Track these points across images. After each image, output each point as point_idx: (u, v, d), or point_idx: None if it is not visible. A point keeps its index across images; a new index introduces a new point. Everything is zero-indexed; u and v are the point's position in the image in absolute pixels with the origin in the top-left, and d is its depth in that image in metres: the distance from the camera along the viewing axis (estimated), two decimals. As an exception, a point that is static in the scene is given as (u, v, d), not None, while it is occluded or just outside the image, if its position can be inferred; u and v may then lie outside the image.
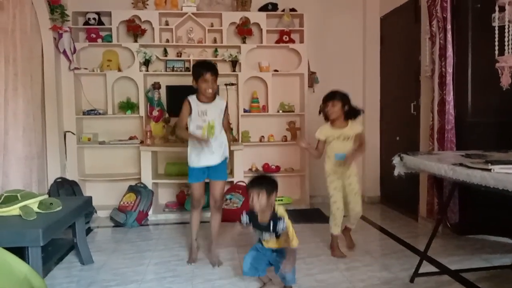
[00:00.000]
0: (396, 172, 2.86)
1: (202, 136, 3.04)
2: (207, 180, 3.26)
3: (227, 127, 3.31)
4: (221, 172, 3.21)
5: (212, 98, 3.13)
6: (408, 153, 2.83)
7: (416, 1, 4.22)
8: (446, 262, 3.05)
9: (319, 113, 3.32)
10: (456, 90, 3.58)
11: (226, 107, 3.22)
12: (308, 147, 3.33)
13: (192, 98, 3.11)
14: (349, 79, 5.16)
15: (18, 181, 3.64)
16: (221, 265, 3.14)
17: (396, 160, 2.85)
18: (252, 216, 2.63)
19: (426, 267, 2.89)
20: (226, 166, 3.26)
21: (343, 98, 3.18)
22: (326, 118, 3.25)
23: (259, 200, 2.51)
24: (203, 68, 3.04)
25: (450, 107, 3.55)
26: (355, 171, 3.26)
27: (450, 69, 3.54)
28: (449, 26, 3.52)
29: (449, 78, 3.54)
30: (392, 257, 3.23)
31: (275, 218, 2.58)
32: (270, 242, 2.66)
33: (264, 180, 2.60)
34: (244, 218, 2.65)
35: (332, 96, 3.18)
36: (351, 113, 3.20)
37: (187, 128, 3.15)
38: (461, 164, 2.24)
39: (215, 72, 3.06)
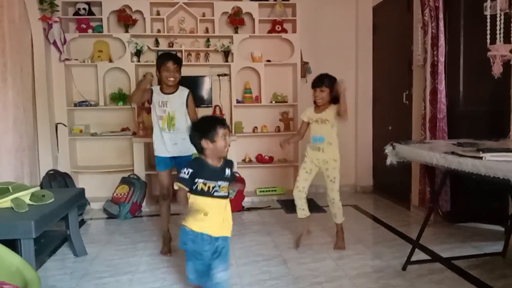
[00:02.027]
0: (388, 161, 2.87)
1: (162, 127, 3.08)
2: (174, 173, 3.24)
3: (192, 113, 3.18)
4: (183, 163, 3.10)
5: (175, 88, 3.12)
6: (400, 142, 2.84)
7: (409, -10, 4.21)
8: (438, 250, 3.08)
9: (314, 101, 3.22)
10: (448, 79, 3.59)
11: (189, 97, 3.14)
12: (290, 141, 3.30)
13: (156, 88, 3.15)
14: (342, 68, 5.12)
15: (9, 173, 3.60)
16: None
17: (388, 149, 2.87)
18: (199, 165, 2.19)
19: (418, 255, 2.92)
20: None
21: (330, 83, 3.07)
22: (315, 102, 3.19)
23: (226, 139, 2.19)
24: (165, 58, 3.08)
25: (442, 96, 3.56)
26: (333, 157, 3.12)
27: (442, 58, 3.55)
28: (441, 15, 3.52)
29: (441, 67, 3.55)
30: (385, 246, 3.26)
31: (227, 161, 2.33)
32: (222, 189, 2.26)
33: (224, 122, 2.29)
34: (186, 172, 2.13)
35: (320, 81, 3.10)
36: (335, 98, 3.08)
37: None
38: (452, 153, 2.25)
39: (177, 61, 3.08)
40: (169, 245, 3.23)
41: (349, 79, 5.17)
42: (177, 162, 3.16)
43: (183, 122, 3.10)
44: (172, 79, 3.04)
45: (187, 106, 3.13)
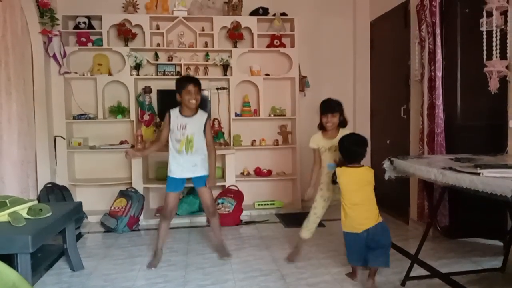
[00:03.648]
0: (386, 176, 2.88)
1: (179, 150, 3.15)
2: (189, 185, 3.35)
3: (211, 147, 3.28)
4: (203, 180, 3.27)
5: (195, 111, 3.19)
6: (398, 157, 2.85)
7: (406, 6, 4.26)
8: (437, 265, 3.07)
9: (319, 127, 3.20)
10: (445, 94, 3.61)
11: (207, 121, 3.24)
12: (315, 184, 3.25)
13: (174, 111, 3.19)
14: (339, 83, 5.21)
15: (15, 185, 3.60)
16: (231, 257, 3.31)
17: (386, 164, 2.87)
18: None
19: (417, 271, 2.91)
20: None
21: (340, 108, 3.12)
22: (321, 127, 3.18)
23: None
24: (186, 80, 3.15)
25: (439, 111, 3.58)
26: None
27: (439, 73, 3.57)
28: (438, 31, 3.56)
29: (439, 82, 3.57)
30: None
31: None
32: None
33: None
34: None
35: (333, 107, 3.09)
36: (343, 122, 3.15)
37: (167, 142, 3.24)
38: (450, 168, 2.26)
39: (197, 84, 3.14)
40: (159, 261, 3.26)
41: (347, 93, 5.24)
42: (195, 180, 3.26)
43: (202, 144, 3.19)
44: (194, 101, 3.11)
45: (204, 129, 3.20)
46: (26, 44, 4.11)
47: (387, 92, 4.83)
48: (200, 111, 3.23)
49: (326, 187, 3.17)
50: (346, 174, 2.78)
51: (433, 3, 3.57)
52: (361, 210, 2.74)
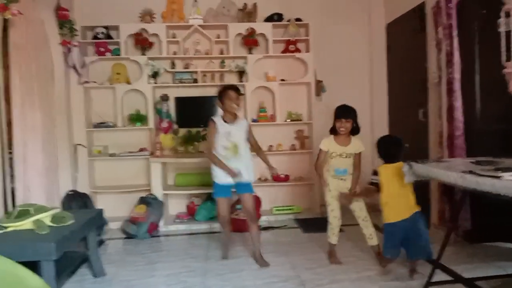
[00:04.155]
0: (406, 181, 2.84)
1: (225, 155, 3.26)
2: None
3: (257, 147, 3.50)
4: (248, 186, 3.40)
5: (235, 117, 3.32)
6: (417, 161, 2.82)
7: (421, 9, 4.22)
8: (459, 270, 3.01)
9: (331, 130, 3.32)
10: (464, 96, 3.56)
11: (249, 126, 3.43)
12: (325, 180, 3.35)
13: (217, 119, 3.31)
14: (356, 87, 5.18)
15: (40, 193, 3.67)
16: (269, 266, 3.32)
17: (405, 168, 2.84)
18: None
19: (439, 276, 2.87)
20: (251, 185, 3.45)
21: (355, 115, 3.24)
22: (333, 131, 3.29)
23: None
24: (227, 88, 3.32)
25: (458, 114, 3.53)
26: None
27: (457, 76, 3.53)
28: (455, 33, 3.52)
29: (457, 85, 3.53)
30: (404, 266, 3.20)
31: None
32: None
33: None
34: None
35: (348, 112, 3.22)
36: (356, 129, 3.27)
37: None
38: (470, 172, 2.23)
39: (238, 91, 3.30)
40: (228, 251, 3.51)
41: (364, 97, 5.22)
42: (240, 186, 3.36)
43: (246, 149, 3.33)
44: (235, 106, 3.25)
45: (247, 134, 3.37)
46: (47, 55, 4.21)
47: (404, 95, 4.79)
48: (240, 118, 3.40)
49: (333, 187, 3.30)
50: (386, 170, 3.02)
51: (449, 5, 3.54)
52: (401, 200, 2.97)
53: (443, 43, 3.65)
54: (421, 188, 3.55)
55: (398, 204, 2.97)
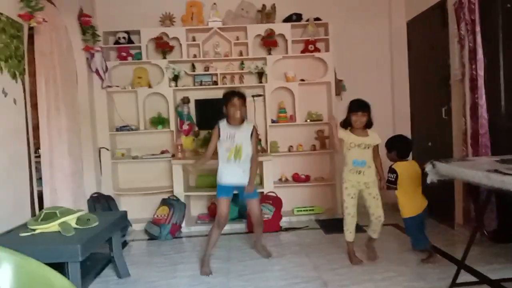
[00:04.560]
0: (429, 180, 2.79)
1: (228, 158, 3.32)
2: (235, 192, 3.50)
3: (255, 155, 3.44)
4: (253, 192, 3.45)
5: (241, 121, 3.36)
6: (440, 160, 2.77)
7: (443, 5, 4.15)
8: (485, 271, 2.95)
9: (343, 124, 3.34)
10: (489, 94, 3.48)
11: (253, 131, 3.41)
12: (335, 127, 3.32)
13: (222, 123, 3.38)
14: (377, 85, 5.13)
15: (67, 196, 3.77)
16: (271, 256, 3.49)
17: (428, 167, 2.79)
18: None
19: (464, 277, 2.82)
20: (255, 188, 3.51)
21: (370, 109, 3.27)
22: (346, 125, 3.31)
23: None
24: (231, 94, 3.35)
25: (483, 111, 3.46)
26: (373, 178, 3.29)
27: (481, 72, 3.46)
28: (478, 29, 3.44)
29: (481, 82, 3.45)
30: (428, 266, 3.16)
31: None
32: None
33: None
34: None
35: (364, 106, 3.24)
36: (370, 123, 3.28)
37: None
38: (496, 171, 2.18)
39: (241, 97, 3.34)
40: (209, 266, 3.32)
41: (386, 95, 5.16)
42: (240, 189, 3.44)
43: (249, 152, 3.36)
44: (238, 112, 3.30)
45: (251, 139, 3.39)
46: (71, 61, 4.31)
47: (427, 93, 4.72)
48: (246, 121, 3.42)
49: (350, 184, 3.28)
50: (403, 167, 3.29)
51: (472, 0, 3.47)
52: (418, 195, 3.30)
53: (465, 39, 3.58)
54: (445, 188, 3.50)
55: (415, 199, 3.28)
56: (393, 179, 3.29)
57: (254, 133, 3.41)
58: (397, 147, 3.40)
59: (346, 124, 3.31)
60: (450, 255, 3.37)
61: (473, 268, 3.00)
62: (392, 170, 3.31)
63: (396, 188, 3.28)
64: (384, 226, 3.37)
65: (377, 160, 3.34)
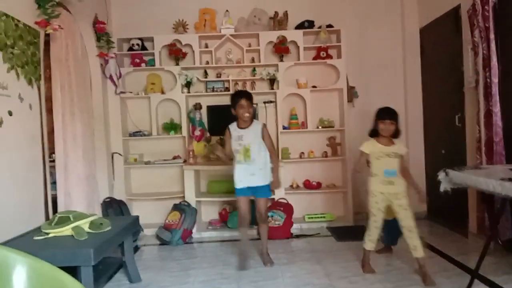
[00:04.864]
0: (442, 188, 2.78)
1: (239, 160, 3.39)
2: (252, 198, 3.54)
3: (272, 151, 3.48)
4: (263, 191, 3.47)
5: (249, 123, 3.40)
6: (454, 168, 2.75)
7: (457, 11, 4.13)
8: (499, 281, 2.90)
9: (370, 133, 3.25)
10: (503, 101, 3.44)
11: (263, 128, 3.42)
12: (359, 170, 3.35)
13: (232, 125, 3.44)
14: (389, 92, 5.10)
15: (81, 200, 3.81)
16: (273, 264, 3.49)
17: (441, 175, 2.78)
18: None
19: (478, 286, 2.78)
20: (269, 187, 3.50)
21: (398, 117, 3.19)
22: (373, 134, 3.22)
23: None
24: (238, 96, 3.39)
25: (497, 119, 3.42)
26: (403, 188, 3.15)
27: (495, 79, 3.42)
28: (492, 36, 3.42)
29: (495, 89, 3.42)
30: (442, 276, 3.12)
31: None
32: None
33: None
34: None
35: (392, 114, 3.16)
36: (397, 132, 3.18)
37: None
38: (510, 179, 2.16)
39: (248, 98, 3.37)
40: (246, 260, 3.52)
41: (398, 102, 5.11)
42: (255, 190, 3.45)
43: (260, 153, 3.37)
44: (247, 114, 3.35)
45: (263, 138, 3.40)
46: (86, 67, 4.38)
47: (440, 100, 4.68)
48: (255, 121, 3.46)
49: (380, 197, 3.18)
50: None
51: (486, 7, 3.45)
52: None
53: (479, 46, 3.56)
54: (458, 196, 3.46)
55: None
56: None
57: (265, 131, 3.42)
58: None
59: (373, 133, 3.22)
60: (463, 265, 3.32)
61: (487, 278, 2.95)
62: None
63: None
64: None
65: (406, 171, 3.23)
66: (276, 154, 3.55)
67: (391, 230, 3.44)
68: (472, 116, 3.84)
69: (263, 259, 3.55)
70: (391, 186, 3.13)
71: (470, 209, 3.97)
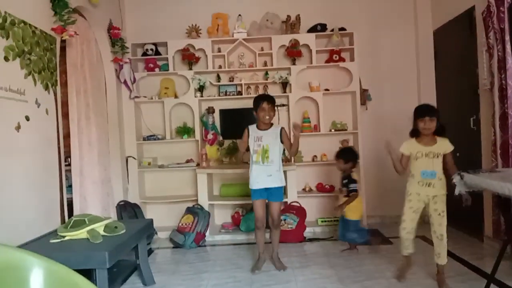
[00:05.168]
0: (456, 192, 2.75)
1: (256, 160, 3.42)
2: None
3: (288, 146, 3.52)
4: (278, 195, 3.48)
5: (269, 126, 3.46)
6: (468, 171, 2.72)
7: (471, 13, 4.09)
8: (516, 286, 2.87)
9: (411, 133, 3.06)
10: (519, 103, 3.40)
11: (282, 131, 3.47)
12: (392, 152, 3.07)
13: (252, 126, 3.49)
14: (403, 95, 5.07)
15: (97, 204, 3.87)
16: (286, 269, 3.48)
17: (456, 179, 2.74)
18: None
19: (494, 292, 2.73)
20: (283, 191, 3.54)
21: (438, 113, 2.99)
22: (414, 134, 3.05)
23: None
24: (261, 99, 3.46)
25: (513, 121, 3.38)
26: (443, 191, 2.98)
27: (510, 82, 3.39)
28: (507, 37, 3.38)
29: (510, 91, 3.39)
30: (457, 280, 3.08)
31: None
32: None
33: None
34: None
35: (431, 110, 2.97)
36: (440, 129, 2.99)
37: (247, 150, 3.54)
38: (526, 183, 2.13)
39: (271, 101, 3.42)
40: (262, 263, 3.54)
41: (412, 105, 4.98)
42: (270, 193, 3.47)
43: (277, 155, 3.42)
44: (268, 117, 3.41)
45: (281, 141, 3.44)
46: (101, 72, 4.45)
47: (454, 102, 4.63)
48: (274, 125, 3.52)
49: (416, 198, 3.02)
50: (357, 176, 3.90)
51: (501, 8, 3.41)
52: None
53: (494, 48, 3.52)
54: (473, 199, 3.42)
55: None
56: (356, 188, 3.86)
57: (284, 133, 3.47)
58: (353, 159, 3.97)
59: (414, 133, 3.03)
60: (479, 269, 3.28)
61: (504, 282, 2.90)
62: (354, 180, 3.87)
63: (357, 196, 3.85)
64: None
65: (452, 171, 2.93)
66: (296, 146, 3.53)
67: (345, 228, 3.93)
68: (487, 119, 3.80)
69: (276, 265, 3.55)
70: (428, 188, 2.96)
71: (485, 213, 3.92)
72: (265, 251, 3.59)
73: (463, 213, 4.35)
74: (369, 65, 5.07)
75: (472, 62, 4.05)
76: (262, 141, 3.41)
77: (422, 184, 2.98)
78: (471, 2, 4.05)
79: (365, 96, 5.06)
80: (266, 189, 3.46)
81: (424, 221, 3.18)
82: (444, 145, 2.97)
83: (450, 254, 3.69)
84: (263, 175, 3.41)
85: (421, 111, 2.98)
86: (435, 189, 2.95)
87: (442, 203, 2.96)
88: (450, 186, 2.82)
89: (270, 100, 3.45)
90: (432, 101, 5.04)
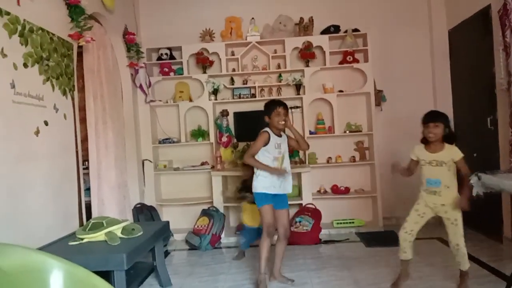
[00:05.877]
0: (474, 193, 2.71)
1: (276, 167, 3.21)
2: None
3: (295, 143, 3.42)
4: (286, 201, 3.35)
5: (282, 132, 3.32)
6: (486, 172, 2.68)
7: (486, 12, 4.04)
8: (537, 289, 2.81)
9: (422, 139, 2.98)
10: (537, 102, 3.35)
11: (289, 138, 3.38)
12: (400, 169, 3.07)
13: (270, 131, 3.26)
14: (418, 95, 5.03)
15: (113, 207, 3.93)
16: (294, 282, 3.26)
17: (473, 179, 2.70)
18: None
19: (514, 294, 2.69)
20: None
21: (445, 119, 2.91)
22: (424, 140, 2.98)
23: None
24: (275, 104, 3.27)
25: (531, 121, 3.32)
26: (452, 200, 2.85)
27: (528, 81, 3.33)
28: (524, 36, 3.33)
29: (528, 90, 3.33)
30: (476, 283, 3.04)
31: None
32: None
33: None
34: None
35: (434, 116, 2.91)
36: (449, 136, 2.91)
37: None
38: (545, 183, 2.09)
39: (286, 107, 3.28)
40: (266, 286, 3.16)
41: (427, 105, 5.01)
42: (280, 199, 3.29)
43: (289, 162, 3.34)
44: (282, 122, 3.23)
45: (289, 145, 3.39)
46: (117, 77, 4.51)
47: (471, 102, 4.58)
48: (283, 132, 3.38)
49: (423, 203, 2.95)
50: None
51: (518, 6, 3.37)
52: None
53: (511, 47, 3.47)
54: (492, 200, 3.37)
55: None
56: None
57: (288, 137, 3.37)
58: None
59: (424, 139, 2.95)
60: (498, 271, 3.22)
61: (524, 285, 2.86)
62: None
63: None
64: (428, 239, 3.23)
65: (463, 178, 2.82)
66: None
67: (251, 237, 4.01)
68: (504, 119, 3.74)
69: (281, 281, 3.31)
70: (435, 197, 2.88)
71: (504, 214, 3.86)
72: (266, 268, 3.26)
73: (482, 214, 4.30)
74: (383, 66, 5.04)
75: (489, 62, 4.00)
76: (281, 148, 3.26)
77: (428, 192, 2.92)
78: (487, 0, 4.00)
79: (379, 97, 5.03)
80: (274, 195, 3.25)
81: (440, 223, 3.13)
82: (452, 153, 2.87)
83: (468, 256, 3.64)
84: (278, 181, 3.23)
85: (426, 117, 2.94)
86: (442, 197, 2.87)
87: (454, 211, 2.86)
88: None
89: (285, 105, 3.28)
90: (448, 101, 5.01)
